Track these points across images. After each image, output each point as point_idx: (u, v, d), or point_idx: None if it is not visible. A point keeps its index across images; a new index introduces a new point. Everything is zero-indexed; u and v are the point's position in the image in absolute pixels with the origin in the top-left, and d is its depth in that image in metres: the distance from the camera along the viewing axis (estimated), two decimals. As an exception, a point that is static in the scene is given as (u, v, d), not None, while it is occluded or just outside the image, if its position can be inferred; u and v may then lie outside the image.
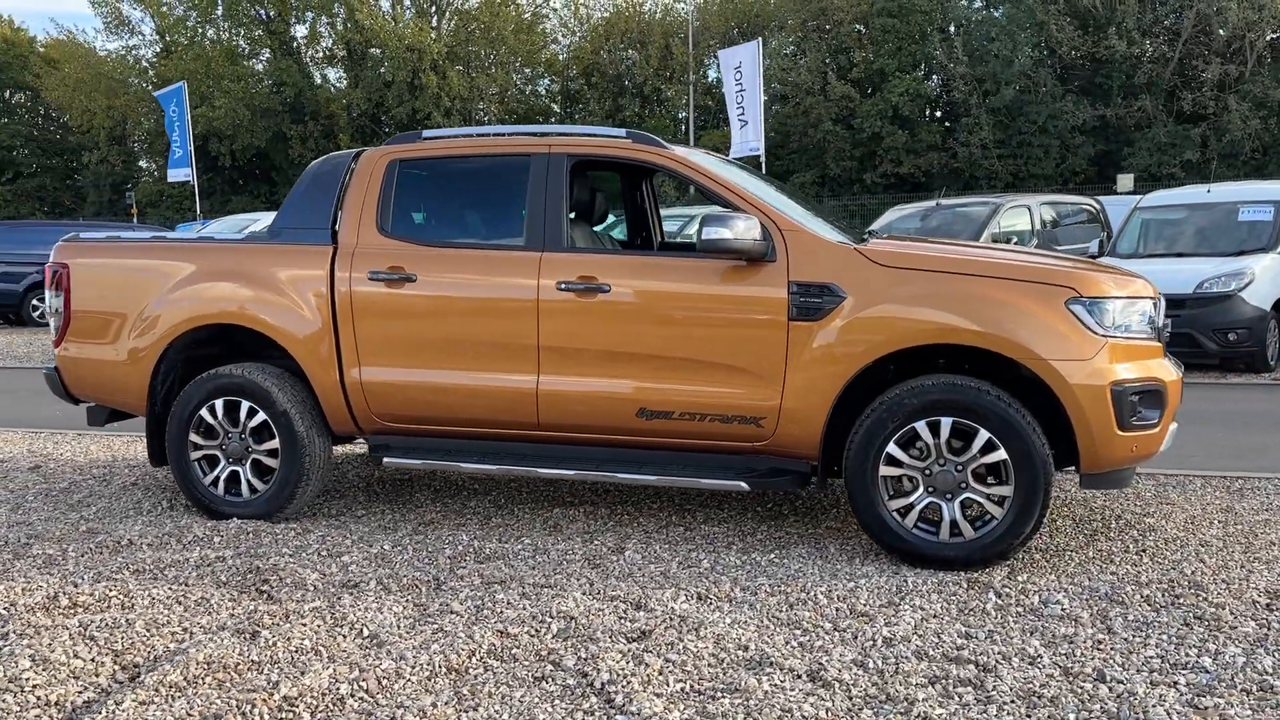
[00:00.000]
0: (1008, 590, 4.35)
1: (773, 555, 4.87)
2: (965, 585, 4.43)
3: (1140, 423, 4.49)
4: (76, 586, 4.55)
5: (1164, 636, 3.85)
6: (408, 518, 5.64)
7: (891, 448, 4.62)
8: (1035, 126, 30.73)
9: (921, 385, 4.59)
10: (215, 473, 5.59)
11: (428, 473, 6.66)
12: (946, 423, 4.54)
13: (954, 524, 4.61)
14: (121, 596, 4.44)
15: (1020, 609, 4.17)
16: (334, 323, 5.29)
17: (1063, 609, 4.14)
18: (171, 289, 5.56)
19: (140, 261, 5.70)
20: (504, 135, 5.39)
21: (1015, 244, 12.08)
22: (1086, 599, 4.24)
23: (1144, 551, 4.84)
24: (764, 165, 21.37)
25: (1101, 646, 3.78)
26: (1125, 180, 22.15)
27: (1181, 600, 4.20)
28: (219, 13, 37.45)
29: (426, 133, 5.52)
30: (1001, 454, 4.49)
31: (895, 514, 4.67)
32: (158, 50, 39.46)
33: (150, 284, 5.62)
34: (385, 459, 5.33)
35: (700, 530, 5.28)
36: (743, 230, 4.63)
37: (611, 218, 6.73)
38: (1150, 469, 6.36)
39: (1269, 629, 3.92)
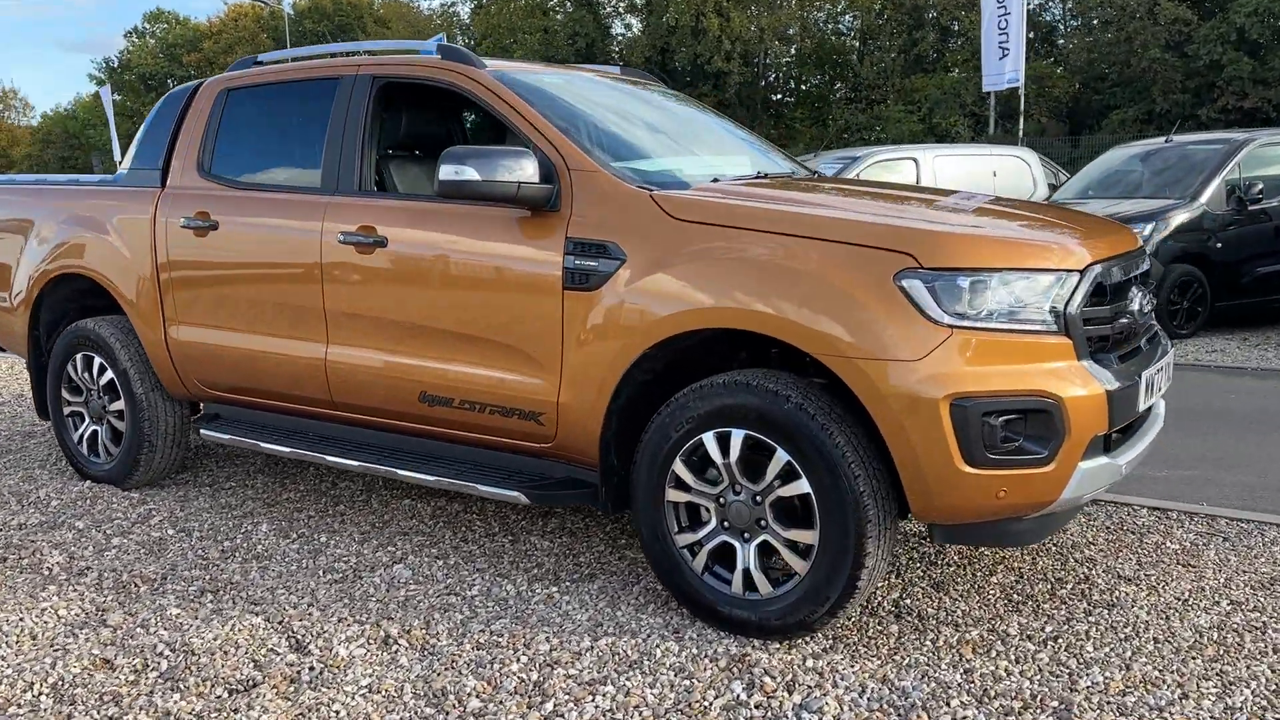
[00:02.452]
0: (768, 680, 3.07)
1: (558, 589, 3.80)
2: (725, 663, 3.19)
3: (1010, 457, 3.01)
4: None
5: (900, 797, 2.50)
6: (263, 496, 5.02)
7: (678, 465, 3.41)
8: None
9: (711, 384, 3.35)
10: (80, 430, 5.23)
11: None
12: (738, 436, 3.28)
13: (749, 574, 3.35)
14: None
15: (758, 712, 2.91)
16: (157, 275, 4.72)
17: (816, 723, 2.84)
18: (38, 236, 5.21)
19: (20, 207, 5.40)
20: (331, 56, 4.54)
21: (1259, 193, 9.60)
22: (870, 709, 2.90)
23: (1056, 640, 3.32)
24: (1023, 99, 18.91)
25: (789, 799, 2.50)
26: None
27: (1009, 733, 2.76)
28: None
29: (262, 56, 4.79)
30: (804, 485, 3.18)
31: (685, 551, 3.47)
32: (473, 7, 41.13)
33: (26, 230, 5.30)
34: (202, 430, 4.73)
35: (524, 544, 4.27)
36: (506, 170, 3.55)
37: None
38: (1217, 508, 4.56)
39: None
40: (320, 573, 4.01)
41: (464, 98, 4.20)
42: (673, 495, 3.45)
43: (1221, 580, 3.75)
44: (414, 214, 3.97)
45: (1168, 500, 4.63)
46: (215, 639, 3.42)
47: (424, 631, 3.46)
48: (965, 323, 3.01)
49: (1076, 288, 3.12)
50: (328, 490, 5.08)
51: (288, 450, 4.38)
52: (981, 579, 3.82)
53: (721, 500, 3.38)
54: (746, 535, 3.35)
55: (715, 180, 3.85)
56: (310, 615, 3.60)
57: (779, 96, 39.75)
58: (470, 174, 3.52)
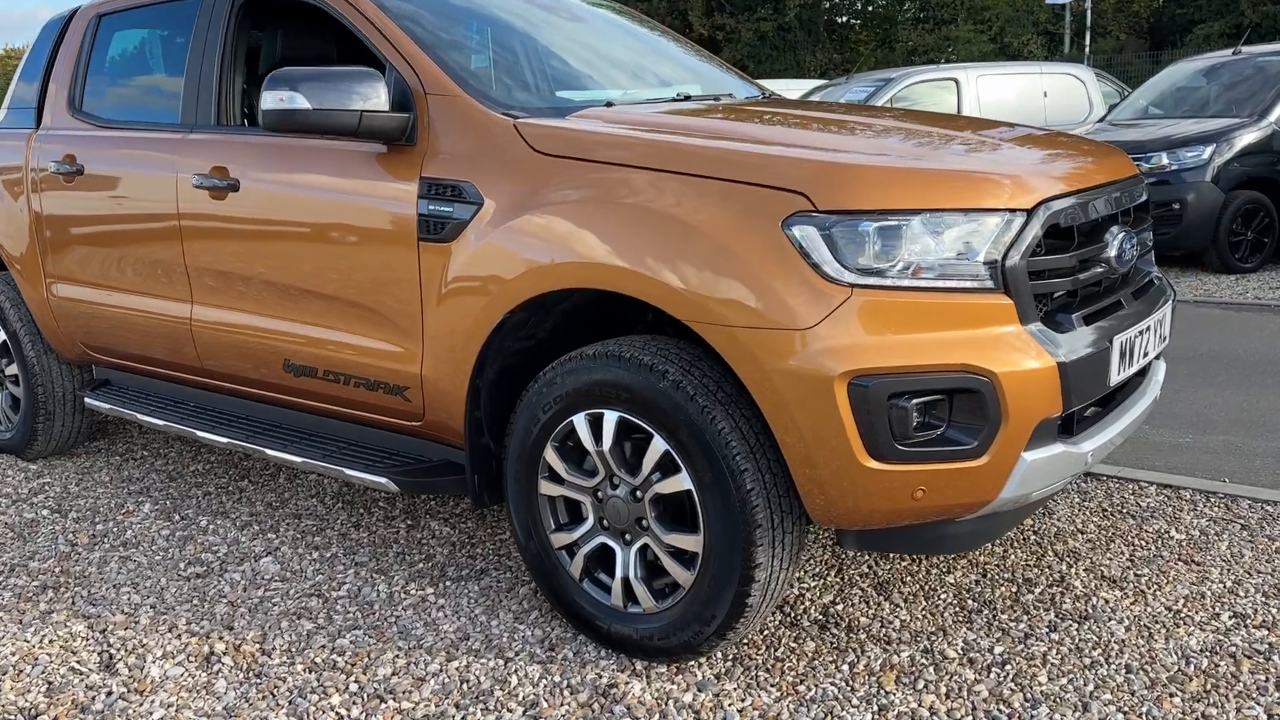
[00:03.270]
0: (630, 724, 2.51)
1: (435, 590, 3.28)
2: (586, 696, 2.64)
3: (928, 449, 2.37)
4: None
5: None
6: (171, 468, 4.56)
7: (549, 452, 2.83)
8: None
9: (580, 356, 2.75)
10: (-20, 397, 4.82)
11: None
12: (611, 419, 2.69)
13: (629, 584, 2.78)
14: None
15: (604, 770, 2.35)
16: (33, 226, 4.24)
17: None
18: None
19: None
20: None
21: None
22: (742, 768, 2.33)
23: (1004, 666, 2.70)
24: (1089, 14, 17.61)
25: None
26: None
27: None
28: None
29: (137, -23, 4.22)
30: (685, 480, 2.58)
31: (563, 553, 2.91)
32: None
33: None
34: (87, 399, 4.27)
35: (421, 531, 3.75)
36: (349, 95, 2.94)
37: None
38: (1240, 487, 3.85)
39: None
40: (182, 566, 3.53)
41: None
42: (546, 488, 2.87)
43: (1228, 584, 3.08)
44: (267, 151, 3.41)
45: (1183, 474, 3.94)
46: (14, 654, 2.96)
47: (258, 646, 2.96)
48: (871, 280, 2.36)
49: (1022, 232, 2.44)
50: (239, 462, 4.60)
51: (162, 423, 3.89)
52: (936, 578, 3.19)
53: (599, 495, 2.80)
54: (627, 537, 2.78)
55: (609, 104, 3.21)
56: (139, 622, 3.13)
57: (843, 19, 38.14)
58: (300, 102, 2.93)
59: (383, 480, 3.21)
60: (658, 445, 2.61)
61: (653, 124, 2.94)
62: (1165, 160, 8.50)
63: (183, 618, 3.16)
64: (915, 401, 2.34)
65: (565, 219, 2.67)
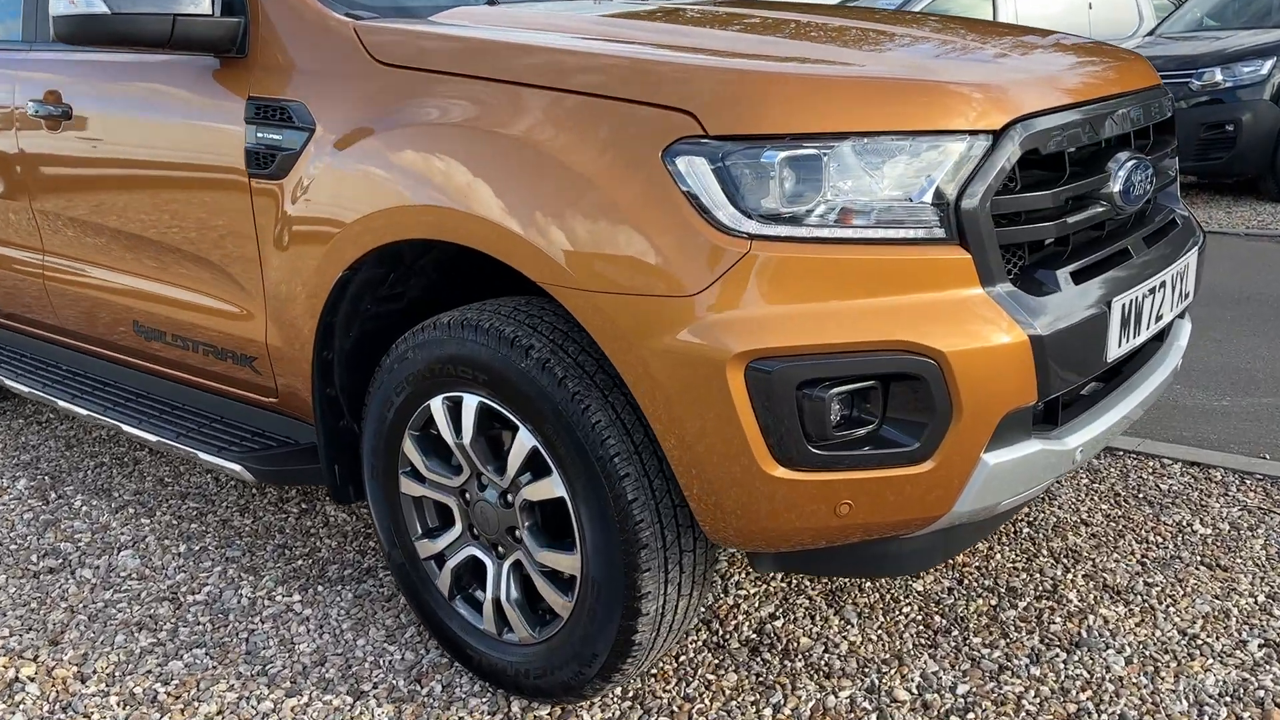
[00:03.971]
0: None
1: (304, 597, 2.77)
2: (435, 756, 2.11)
3: (855, 452, 1.79)
4: None
5: None
6: (71, 434, 4.09)
7: (408, 444, 2.29)
8: None
9: (434, 326, 2.18)
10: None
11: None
12: (471, 405, 2.12)
13: (500, 606, 2.25)
14: None
15: None
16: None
17: None
18: None
19: None
20: None
21: None
22: None
23: (965, 714, 2.14)
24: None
25: None
26: None
27: None
28: None
29: None
30: (558, 485, 2.02)
31: (431, 563, 2.38)
32: None
33: None
34: (-42, 361, 3.78)
35: (313, 518, 3.24)
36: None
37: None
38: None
39: None
40: (34, 559, 3.06)
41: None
42: (408, 486, 2.33)
43: (1259, 598, 2.48)
44: (99, 71, 2.84)
45: (1216, 449, 3.31)
46: None
47: (76, 670, 2.47)
48: (780, 229, 1.76)
49: (984, 162, 1.82)
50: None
51: (26, 389, 3.40)
52: (901, 586, 2.62)
53: (467, 496, 2.25)
54: (500, 549, 2.24)
55: (492, 2, 2.59)
56: (-45, 635, 2.65)
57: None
58: (98, 6, 2.35)
59: (235, 467, 2.68)
60: (524, 440, 2.05)
61: (528, 24, 2.33)
62: (1219, 76, 7.70)
63: (7, 629, 2.67)
64: (836, 391, 1.76)
65: (401, 149, 2.09)
